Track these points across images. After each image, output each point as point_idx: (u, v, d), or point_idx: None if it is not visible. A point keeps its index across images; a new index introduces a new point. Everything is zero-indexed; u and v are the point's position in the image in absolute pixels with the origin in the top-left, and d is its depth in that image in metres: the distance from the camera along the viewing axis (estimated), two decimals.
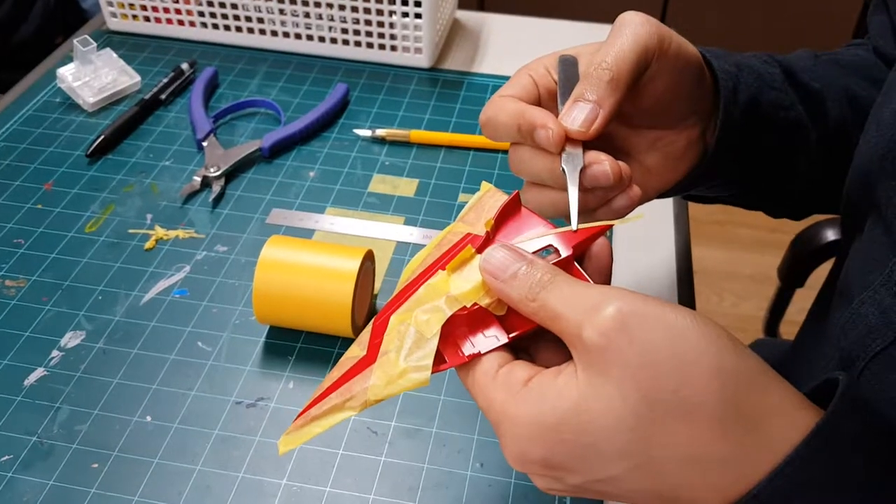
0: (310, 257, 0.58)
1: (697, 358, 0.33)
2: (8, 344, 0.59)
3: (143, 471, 0.52)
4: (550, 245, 0.41)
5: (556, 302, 0.36)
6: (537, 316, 0.37)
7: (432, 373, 0.38)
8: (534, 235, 0.41)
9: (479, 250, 0.40)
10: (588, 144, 0.44)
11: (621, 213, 0.46)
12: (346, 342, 0.60)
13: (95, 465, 0.52)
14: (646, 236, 0.70)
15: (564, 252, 0.40)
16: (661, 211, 0.73)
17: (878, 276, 0.44)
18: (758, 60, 0.54)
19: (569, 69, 0.47)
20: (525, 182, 0.48)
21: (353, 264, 0.57)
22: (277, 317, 0.59)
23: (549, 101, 0.48)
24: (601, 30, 0.97)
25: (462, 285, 0.39)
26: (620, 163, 0.44)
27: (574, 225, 0.42)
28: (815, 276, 0.86)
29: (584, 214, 0.46)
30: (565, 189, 0.43)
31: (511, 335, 0.38)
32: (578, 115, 0.44)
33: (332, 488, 0.51)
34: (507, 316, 0.39)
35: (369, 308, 0.62)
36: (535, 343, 0.40)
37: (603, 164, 0.44)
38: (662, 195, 0.54)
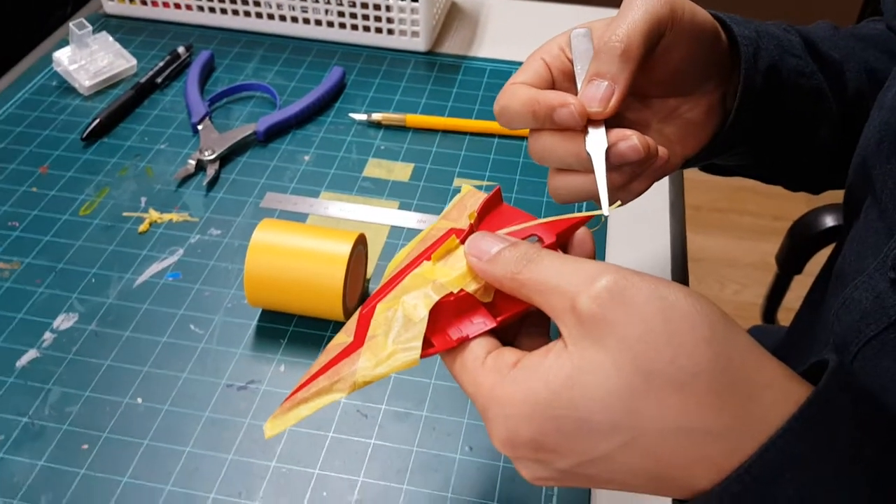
0: (301, 241, 0.58)
1: (691, 330, 0.33)
2: (1, 326, 0.60)
3: (133, 452, 0.52)
4: (534, 234, 0.41)
5: (547, 274, 0.36)
6: (524, 290, 0.36)
7: (421, 357, 0.38)
8: (516, 226, 0.41)
9: (463, 241, 0.41)
10: (607, 122, 0.44)
11: (650, 183, 0.46)
12: (338, 326, 0.60)
13: (86, 447, 0.52)
14: (641, 223, 0.70)
15: (548, 240, 0.40)
16: (657, 198, 0.73)
17: (872, 261, 0.44)
18: (777, 28, 0.53)
19: (582, 43, 0.47)
20: (550, 170, 0.47)
21: (345, 248, 0.57)
22: (269, 300, 0.59)
23: (564, 83, 0.48)
24: (602, 13, 0.96)
25: (448, 272, 0.39)
26: (646, 136, 0.44)
27: (605, 209, 0.42)
28: (814, 262, 0.85)
29: (616, 192, 0.46)
30: (592, 171, 0.43)
31: (499, 318, 0.38)
32: (595, 93, 0.43)
33: (320, 470, 0.51)
34: (493, 302, 0.39)
35: (361, 292, 0.62)
36: (519, 336, 0.40)
37: (630, 138, 0.44)
38: (687, 164, 0.53)
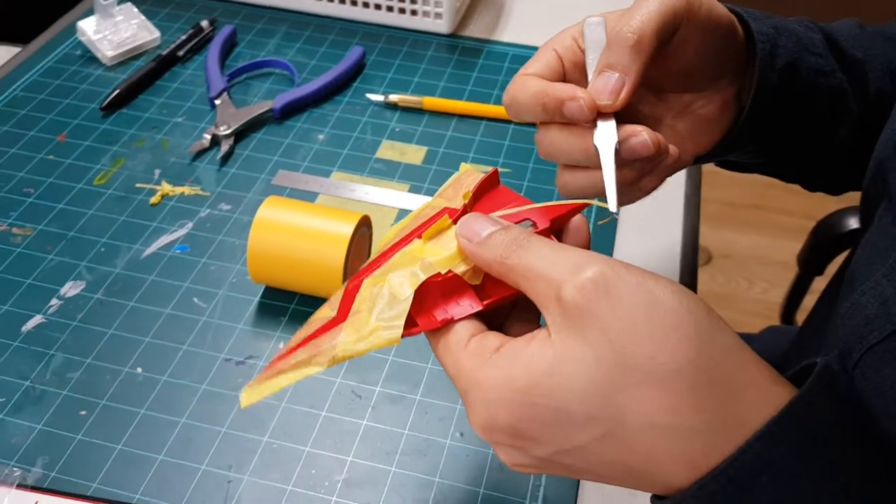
0: (305, 220, 0.58)
1: (675, 326, 0.32)
2: (10, 290, 0.61)
3: (129, 420, 0.53)
4: (528, 218, 0.40)
5: (535, 260, 0.35)
6: (511, 275, 0.36)
7: (403, 336, 0.37)
8: (511, 209, 0.41)
9: (456, 221, 0.40)
10: (617, 115, 0.43)
11: (660, 180, 0.46)
12: None
13: (83, 413, 0.53)
14: (654, 217, 0.69)
15: (542, 225, 0.40)
16: (673, 192, 0.72)
17: (881, 267, 0.43)
18: (798, 24, 0.52)
19: (595, 33, 0.46)
20: (559, 166, 0.47)
21: (348, 229, 0.57)
22: (271, 277, 0.59)
23: (575, 74, 0.47)
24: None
25: (438, 252, 0.39)
26: (656, 132, 0.43)
27: (612, 205, 0.42)
28: (835, 264, 0.84)
29: (625, 188, 0.46)
30: (600, 167, 0.43)
31: (485, 302, 0.38)
32: (605, 85, 0.43)
33: (311, 448, 0.52)
34: (481, 286, 0.39)
35: None
36: (509, 321, 0.40)
37: (640, 134, 0.43)
38: (698, 160, 0.53)
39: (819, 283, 0.83)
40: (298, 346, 0.39)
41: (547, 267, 0.35)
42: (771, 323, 1.00)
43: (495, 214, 0.40)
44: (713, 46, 0.47)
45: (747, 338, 0.75)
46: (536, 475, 0.50)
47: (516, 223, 0.39)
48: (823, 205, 0.87)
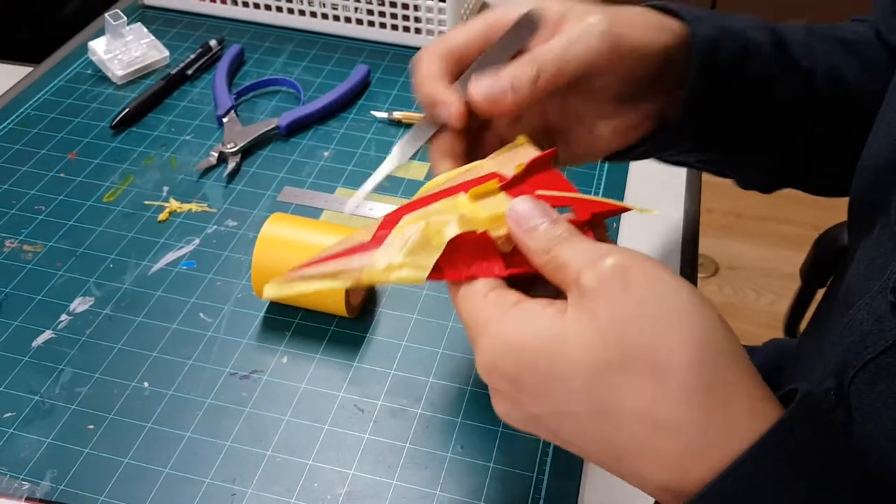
0: (308, 236, 0.59)
1: (682, 323, 0.33)
2: (21, 306, 0.62)
3: (136, 434, 0.54)
4: (570, 205, 0.42)
5: (566, 254, 0.37)
6: (547, 267, 0.38)
7: (428, 279, 0.39)
8: (556, 192, 0.42)
9: (504, 188, 0.42)
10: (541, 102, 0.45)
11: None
12: (342, 320, 0.61)
13: (91, 427, 0.54)
14: (652, 231, 0.70)
15: (581, 217, 0.41)
16: (671, 204, 0.72)
17: (877, 283, 0.43)
18: (748, 26, 0.52)
19: (522, 30, 0.46)
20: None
21: None
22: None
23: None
24: None
25: (479, 212, 0.41)
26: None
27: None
28: None
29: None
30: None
31: (509, 271, 0.39)
32: (486, 86, 0.43)
33: (314, 461, 0.52)
34: (510, 254, 0.40)
35: (366, 289, 0.63)
36: (531, 292, 0.41)
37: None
38: (613, 158, 0.53)
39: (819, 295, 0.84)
40: (327, 258, 0.41)
41: (573, 258, 0.36)
42: (779, 335, 1.00)
43: (540, 192, 0.42)
44: (639, 80, 0.47)
45: (750, 350, 0.75)
46: (536, 489, 0.51)
47: (556, 206, 0.41)
48: (830, 216, 0.87)
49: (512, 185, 0.43)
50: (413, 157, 0.46)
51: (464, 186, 0.43)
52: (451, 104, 0.44)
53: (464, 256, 0.40)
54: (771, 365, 0.69)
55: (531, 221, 0.39)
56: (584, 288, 0.35)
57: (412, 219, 0.41)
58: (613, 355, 0.34)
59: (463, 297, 0.39)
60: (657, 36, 0.47)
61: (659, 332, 0.33)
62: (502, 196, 0.42)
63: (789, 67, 0.52)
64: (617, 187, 0.73)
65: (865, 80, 0.55)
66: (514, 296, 0.38)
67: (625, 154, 0.52)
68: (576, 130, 0.50)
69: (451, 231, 0.39)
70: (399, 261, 0.40)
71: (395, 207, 0.44)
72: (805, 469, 0.32)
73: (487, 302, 0.38)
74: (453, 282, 0.40)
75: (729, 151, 0.55)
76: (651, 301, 0.34)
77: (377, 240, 0.41)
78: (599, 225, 0.43)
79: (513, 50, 0.45)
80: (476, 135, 0.49)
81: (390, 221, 0.42)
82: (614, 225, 0.69)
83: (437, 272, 0.40)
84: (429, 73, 0.45)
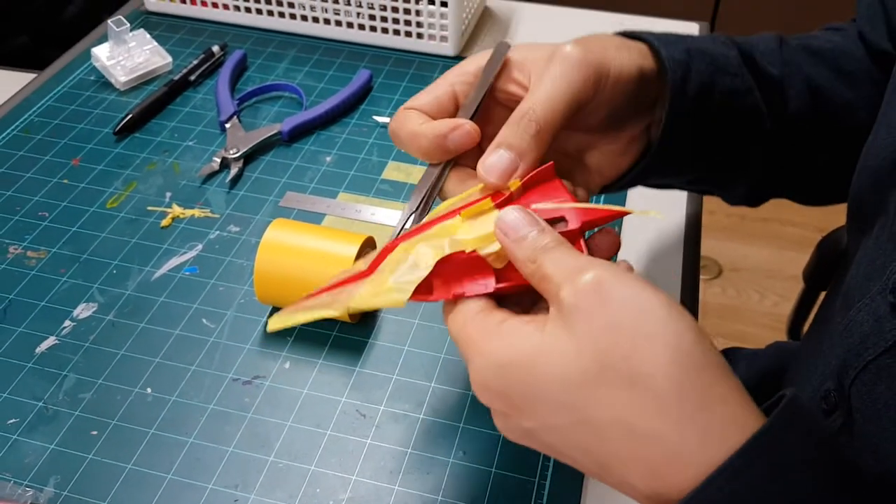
0: (310, 241, 0.60)
1: (656, 333, 0.34)
2: (25, 312, 0.62)
3: (139, 440, 0.54)
4: (564, 216, 0.42)
5: (550, 265, 0.37)
6: (534, 277, 0.38)
7: (418, 300, 0.41)
8: (548, 205, 0.43)
9: (499, 206, 0.42)
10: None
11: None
12: (345, 326, 0.61)
13: (95, 433, 0.54)
14: (654, 238, 0.70)
15: (573, 225, 0.42)
16: (673, 211, 0.72)
17: (877, 284, 0.43)
18: (714, 43, 0.52)
19: (495, 63, 0.46)
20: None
21: (352, 250, 0.58)
22: (277, 298, 0.60)
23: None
24: (641, 22, 0.95)
25: (470, 232, 0.42)
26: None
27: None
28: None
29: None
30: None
31: (498, 286, 0.40)
32: (497, 164, 0.43)
33: (316, 467, 0.53)
34: (501, 271, 0.41)
35: None
36: (533, 308, 0.42)
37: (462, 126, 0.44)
38: (607, 189, 0.53)
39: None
40: (328, 289, 0.43)
41: (555, 271, 0.37)
42: (783, 336, 1.00)
43: (538, 205, 0.42)
44: (622, 102, 0.47)
45: (753, 353, 0.75)
46: (538, 494, 0.51)
47: (550, 220, 0.41)
48: (835, 217, 0.87)
49: (507, 203, 0.43)
50: (428, 207, 0.45)
51: (460, 210, 0.43)
52: (463, 123, 0.44)
53: (454, 276, 0.41)
54: (774, 367, 0.69)
55: (519, 231, 0.39)
56: (562, 302, 0.36)
57: (406, 246, 0.42)
58: (589, 366, 0.34)
59: (453, 319, 0.40)
60: (631, 59, 0.47)
61: (633, 342, 0.34)
62: (496, 214, 0.42)
63: (760, 77, 0.52)
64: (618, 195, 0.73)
65: (840, 89, 0.55)
66: (500, 315, 0.39)
67: (615, 183, 0.53)
68: (571, 168, 0.50)
69: (439, 253, 0.41)
70: (386, 286, 0.41)
71: (396, 212, 0.44)
72: (788, 477, 0.32)
73: (476, 322, 0.39)
74: (446, 304, 0.41)
75: (711, 169, 0.55)
76: (627, 313, 0.34)
77: (372, 268, 0.43)
78: (606, 231, 0.43)
79: (488, 82, 0.46)
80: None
81: (387, 251, 0.43)
82: (616, 229, 0.69)
83: (426, 292, 0.41)
84: (421, 122, 0.45)
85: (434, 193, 0.46)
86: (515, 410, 0.37)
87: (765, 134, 0.53)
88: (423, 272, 0.41)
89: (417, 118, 0.45)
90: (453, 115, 0.47)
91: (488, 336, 0.38)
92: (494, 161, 0.43)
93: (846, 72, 0.55)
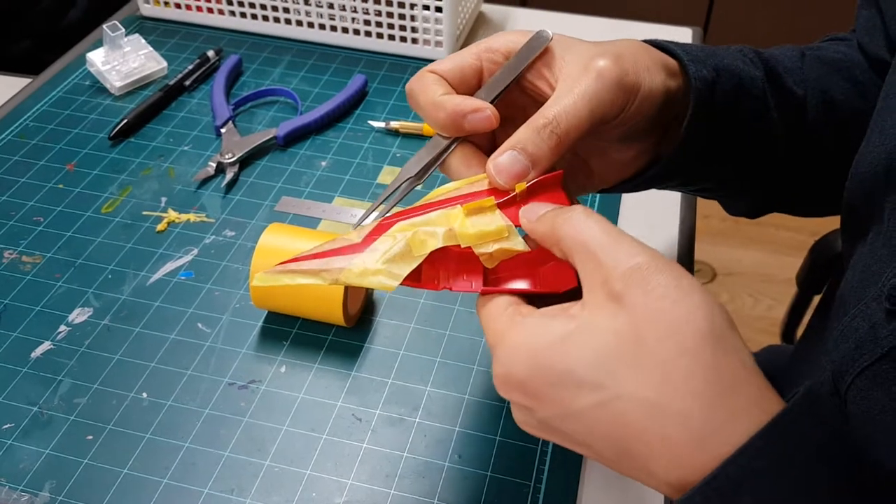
0: (306, 246, 0.59)
1: (691, 319, 0.35)
2: (20, 317, 0.62)
3: (135, 445, 0.54)
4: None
5: (589, 239, 0.38)
6: (562, 245, 0.39)
7: (405, 285, 0.41)
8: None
9: (501, 206, 0.42)
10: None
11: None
12: (340, 330, 0.61)
13: (90, 438, 0.54)
14: (650, 224, 0.70)
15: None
16: (666, 213, 0.73)
17: (872, 289, 0.44)
18: (743, 61, 0.52)
19: (531, 50, 0.45)
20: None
21: None
22: (273, 302, 0.60)
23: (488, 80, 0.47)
24: (635, 28, 0.96)
25: (469, 227, 0.41)
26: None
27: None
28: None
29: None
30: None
31: (484, 288, 0.41)
32: (508, 167, 0.43)
33: (312, 471, 0.53)
34: (495, 273, 0.42)
35: (364, 298, 0.63)
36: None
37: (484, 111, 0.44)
38: (606, 191, 0.53)
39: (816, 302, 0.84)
40: (317, 255, 0.42)
41: (601, 251, 0.37)
42: (776, 341, 1.00)
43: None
44: (642, 121, 0.47)
45: None
46: (534, 498, 0.51)
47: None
48: (829, 222, 0.88)
49: (510, 205, 0.43)
50: (426, 175, 0.46)
51: (464, 198, 0.43)
52: (486, 108, 0.44)
53: (445, 268, 0.42)
54: (768, 371, 0.69)
55: (540, 212, 0.41)
56: (610, 290, 0.36)
57: (403, 227, 0.42)
58: (624, 348, 0.35)
59: (486, 312, 0.41)
60: (660, 79, 0.46)
61: (668, 326, 0.35)
62: (497, 214, 0.42)
63: (783, 97, 0.52)
64: (612, 195, 0.73)
65: (853, 99, 0.55)
66: (528, 309, 0.40)
67: (616, 187, 0.53)
68: (574, 168, 0.50)
69: (434, 243, 0.41)
70: (376, 267, 0.41)
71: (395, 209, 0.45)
72: (806, 459, 0.33)
73: (505, 315, 0.39)
74: (480, 297, 0.41)
75: (720, 183, 0.55)
76: (667, 301, 0.35)
77: (366, 242, 0.42)
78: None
79: (519, 68, 0.45)
80: (492, 142, 0.49)
81: (382, 227, 0.43)
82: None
83: (415, 278, 0.41)
84: (442, 91, 0.45)
85: (436, 164, 0.45)
86: (536, 401, 0.37)
87: (777, 153, 0.53)
88: (416, 261, 0.41)
89: (438, 86, 0.45)
90: (474, 89, 0.46)
91: (515, 328, 0.38)
92: (506, 163, 0.42)
93: (858, 81, 0.55)
